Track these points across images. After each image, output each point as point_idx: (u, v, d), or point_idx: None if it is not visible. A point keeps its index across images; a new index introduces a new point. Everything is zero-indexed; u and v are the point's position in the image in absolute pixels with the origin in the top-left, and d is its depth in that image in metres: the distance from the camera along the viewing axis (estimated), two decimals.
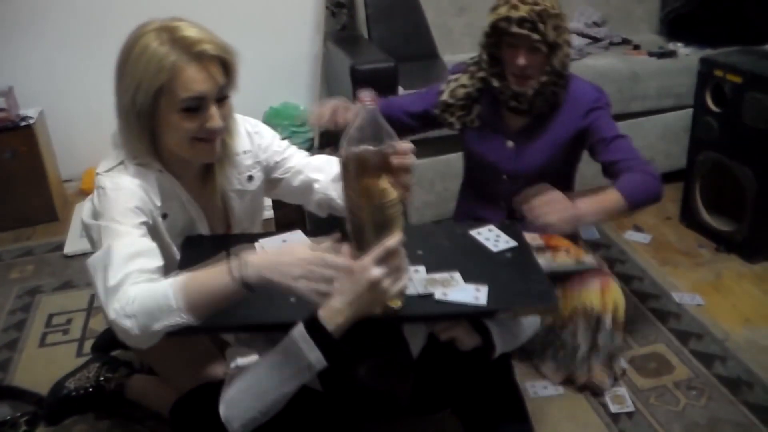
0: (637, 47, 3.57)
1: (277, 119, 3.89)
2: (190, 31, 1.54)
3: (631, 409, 2.15)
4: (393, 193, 1.39)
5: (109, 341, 2.39)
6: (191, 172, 1.76)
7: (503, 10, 2.04)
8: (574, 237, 2.32)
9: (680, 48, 3.51)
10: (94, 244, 1.60)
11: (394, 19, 3.58)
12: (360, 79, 3.06)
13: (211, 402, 1.67)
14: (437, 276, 1.61)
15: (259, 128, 1.91)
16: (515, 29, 2.03)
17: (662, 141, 3.42)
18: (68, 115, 3.72)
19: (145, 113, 1.55)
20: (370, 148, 1.36)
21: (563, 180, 2.32)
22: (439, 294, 1.55)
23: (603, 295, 2.13)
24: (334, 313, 1.40)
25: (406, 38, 3.59)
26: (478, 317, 1.59)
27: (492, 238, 1.79)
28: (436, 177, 3.17)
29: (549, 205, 1.89)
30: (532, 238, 2.19)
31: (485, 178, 2.34)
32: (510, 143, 2.24)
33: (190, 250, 1.71)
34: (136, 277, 1.46)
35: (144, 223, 1.60)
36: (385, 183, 1.38)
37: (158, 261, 1.54)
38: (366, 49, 3.44)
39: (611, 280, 2.17)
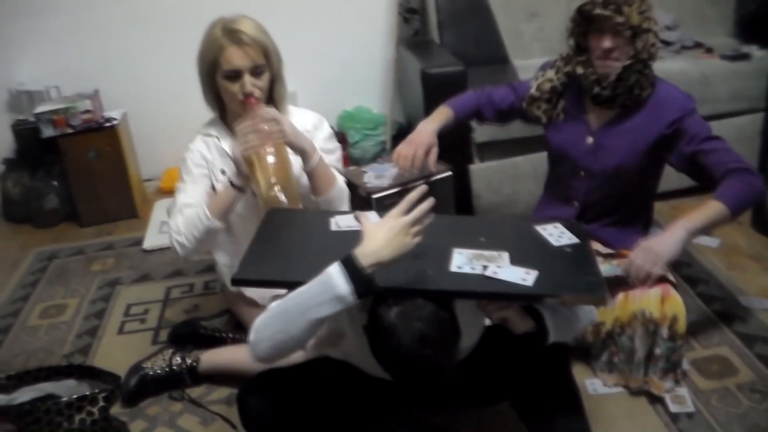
0: (709, 50, 3.52)
1: (351, 122, 3.97)
2: (240, 24, 2.12)
3: (691, 409, 2.13)
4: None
5: (183, 336, 2.54)
6: None
7: None
8: None
9: (755, 51, 3.45)
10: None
11: (466, 24, 3.63)
12: (431, 83, 3.12)
13: (276, 389, 1.79)
14: (485, 253, 1.68)
15: (323, 126, 2.38)
16: (599, 11, 2.08)
17: (734, 145, 3.29)
18: (150, 117, 3.89)
19: (207, 80, 2.19)
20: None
21: (639, 187, 2.34)
22: (489, 271, 1.61)
23: (663, 304, 2.13)
24: (369, 253, 1.50)
25: (477, 43, 3.62)
26: (524, 299, 1.63)
27: (555, 234, 1.82)
28: (504, 180, 3.20)
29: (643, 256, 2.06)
30: (601, 247, 2.24)
31: (564, 174, 2.38)
32: (590, 139, 2.28)
33: (269, 222, 1.93)
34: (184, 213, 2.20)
35: (204, 174, 2.26)
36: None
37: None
38: (437, 53, 3.50)
39: (673, 291, 2.16)
